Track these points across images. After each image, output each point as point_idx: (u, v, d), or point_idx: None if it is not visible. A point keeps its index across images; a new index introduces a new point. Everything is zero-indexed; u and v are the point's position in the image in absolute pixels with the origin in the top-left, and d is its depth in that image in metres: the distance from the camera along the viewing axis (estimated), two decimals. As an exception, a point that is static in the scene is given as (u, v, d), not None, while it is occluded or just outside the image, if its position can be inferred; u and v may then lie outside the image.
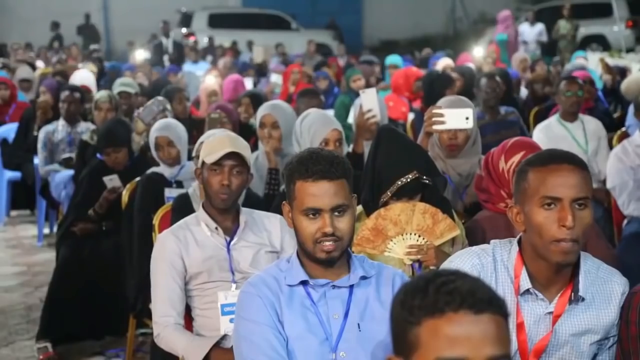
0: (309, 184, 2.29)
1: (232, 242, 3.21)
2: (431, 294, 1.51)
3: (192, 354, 3.01)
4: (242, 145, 3.21)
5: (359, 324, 2.32)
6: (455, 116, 3.61)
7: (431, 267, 3.04)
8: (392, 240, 3.06)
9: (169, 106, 5.90)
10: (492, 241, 2.39)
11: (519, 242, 2.32)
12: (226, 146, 3.15)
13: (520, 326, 2.26)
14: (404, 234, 3.06)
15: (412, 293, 1.54)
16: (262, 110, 4.60)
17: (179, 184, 4.41)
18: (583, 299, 2.27)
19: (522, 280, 2.26)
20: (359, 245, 3.06)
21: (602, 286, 2.31)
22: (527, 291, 2.27)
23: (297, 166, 2.33)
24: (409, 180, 3.07)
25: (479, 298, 1.50)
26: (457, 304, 1.49)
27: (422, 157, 3.22)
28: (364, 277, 2.37)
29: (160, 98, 5.88)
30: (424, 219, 3.06)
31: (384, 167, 3.12)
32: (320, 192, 2.29)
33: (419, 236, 3.07)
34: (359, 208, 3.21)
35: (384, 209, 3.07)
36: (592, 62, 10.85)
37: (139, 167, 4.86)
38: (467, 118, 3.59)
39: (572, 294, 2.26)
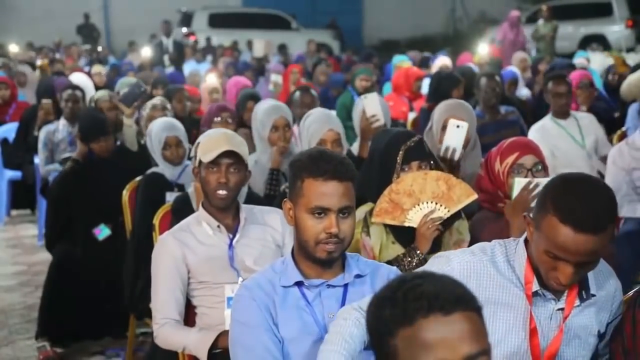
0: (320, 182, 2.27)
1: (234, 240, 3.19)
2: (400, 302, 1.49)
3: (201, 341, 3.00)
4: (238, 143, 3.19)
5: (354, 322, 2.32)
6: (453, 134, 3.68)
7: (418, 252, 2.99)
8: (410, 211, 3.03)
9: (169, 105, 5.90)
10: (493, 241, 2.35)
11: (526, 244, 2.27)
12: (222, 145, 3.14)
13: (533, 332, 2.23)
14: (420, 204, 3.04)
15: (382, 303, 1.52)
16: (273, 114, 4.48)
17: (180, 188, 4.35)
18: (594, 295, 2.27)
19: (533, 284, 2.23)
20: (378, 216, 3.03)
21: (604, 283, 2.31)
22: (536, 292, 2.24)
23: (307, 164, 2.29)
24: (414, 143, 3.10)
25: (445, 299, 1.47)
26: (425, 309, 1.46)
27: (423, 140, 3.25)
28: (358, 276, 2.36)
29: (136, 82, 6.00)
30: (438, 185, 3.04)
31: (389, 146, 3.12)
32: (330, 192, 2.26)
33: (436, 203, 3.04)
34: (370, 205, 3.20)
35: (394, 184, 3.05)
36: (594, 62, 10.85)
37: (122, 154, 5.01)
38: (457, 126, 3.69)
39: (583, 291, 2.25)
